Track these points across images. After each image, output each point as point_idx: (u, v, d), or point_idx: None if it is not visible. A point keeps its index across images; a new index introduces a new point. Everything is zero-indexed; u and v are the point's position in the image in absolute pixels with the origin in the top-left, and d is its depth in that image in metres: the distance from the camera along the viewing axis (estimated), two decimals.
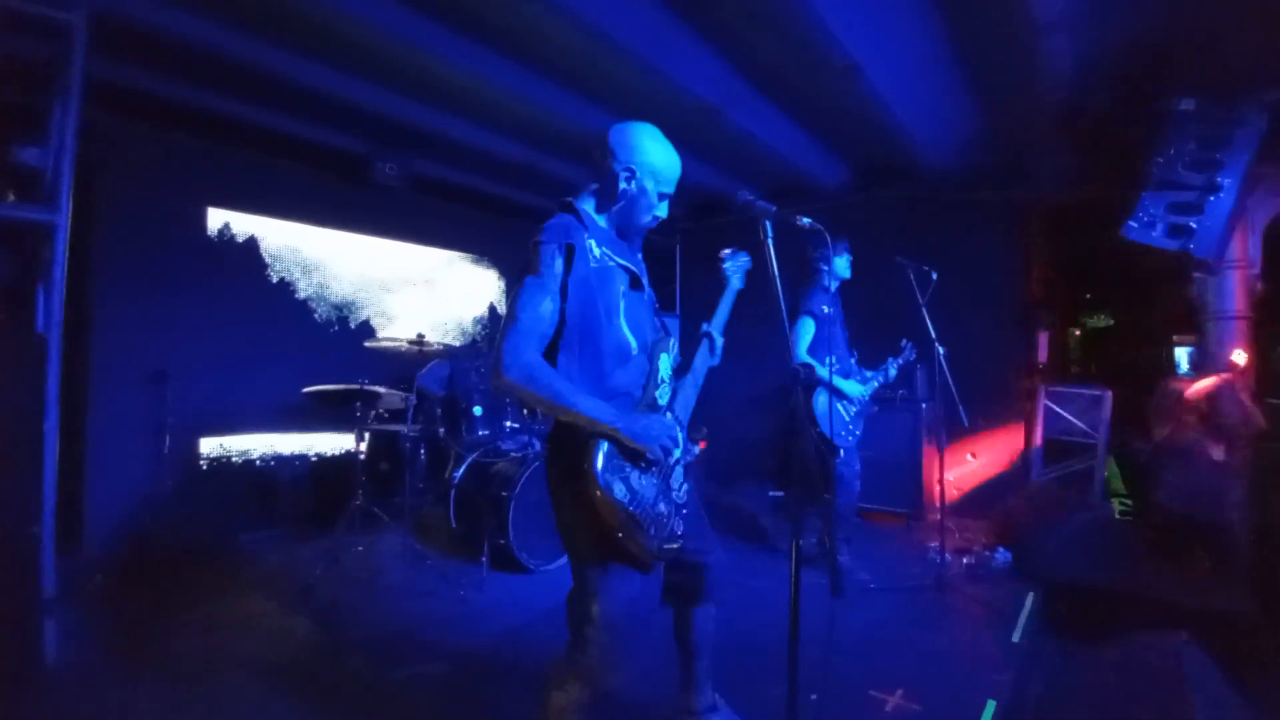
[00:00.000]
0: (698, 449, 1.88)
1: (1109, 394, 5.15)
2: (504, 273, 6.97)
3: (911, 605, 3.46)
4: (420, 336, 4.03)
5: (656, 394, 1.84)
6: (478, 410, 4.28)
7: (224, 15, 3.32)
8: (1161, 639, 2.17)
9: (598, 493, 1.62)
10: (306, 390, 4.05)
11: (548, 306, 1.67)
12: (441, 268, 6.38)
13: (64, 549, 2.90)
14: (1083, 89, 3.95)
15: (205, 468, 4.67)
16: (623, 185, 1.83)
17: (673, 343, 1.96)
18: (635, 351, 1.83)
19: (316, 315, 5.36)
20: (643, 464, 1.73)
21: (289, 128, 4.55)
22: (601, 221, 1.89)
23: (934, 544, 4.01)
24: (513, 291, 1.72)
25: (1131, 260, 3.82)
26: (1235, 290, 4.14)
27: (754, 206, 1.77)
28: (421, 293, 6.18)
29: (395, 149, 5.07)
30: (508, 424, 4.34)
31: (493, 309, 6.84)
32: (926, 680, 2.64)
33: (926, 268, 3.75)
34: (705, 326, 2.07)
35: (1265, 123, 3.42)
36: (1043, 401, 5.32)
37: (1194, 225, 3.51)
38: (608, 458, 1.66)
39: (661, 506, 1.77)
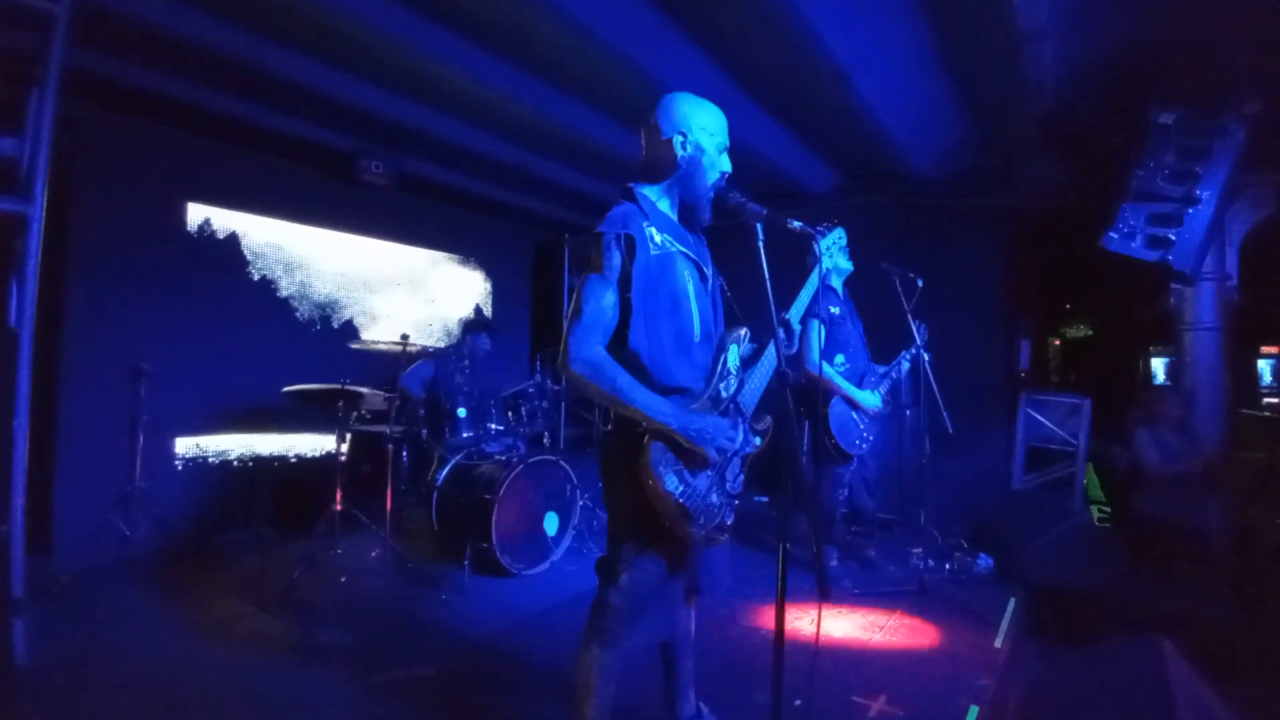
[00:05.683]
0: (759, 441, 1.89)
1: (1088, 402, 5.22)
2: (490, 274, 6.92)
3: (895, 610, 3.47)
4: (405, 337, 3.99)
5: (721, 386, 1.82)
6: (461, 412, 4.22)
7: (209, 6, 3.26)
8: (1142, 643, 2.19)
9: (650, 482, 1.64)
10: (287, 390, 3.99)
11: (609, 299, 1.70)
12: (427, 268, 6.32)
13: (34, 549, 2.83)
14: (1066, 98, 4.00)
15: (180, 468, 4.57)
16: (679, 151, 1.83)
17: (745, 333, 1.93)
18: (699, 340, 1.83)
19: (298, 314, 5.29)
20: (697, 461, 1.73)
21: (273, 123, 4.47)
22: (664, 206, 1.87)
23: (917, 550, 4.04)
24: (578, 285, 1.73)
25: (1111, 270, 3.86)
26: (1211, 302, 4.23)
27: (745, 209, 1.76)
28: (406, 293, 6.12)
29: (382, 146, 5.01)
30: (492, 426, 4.28)
31: (478, 310, 6.79)
32: (909, 685, 2.65)
33: (912, 275, 3.76)
34: (783, 314, 1.98)
35: (1243, 135, 3.48)
36: (1023, 409, 5.38)
37: (1173, 237, 3.57)
38: (662, 450, 1.67)
39: (714, 498, 1.77)
